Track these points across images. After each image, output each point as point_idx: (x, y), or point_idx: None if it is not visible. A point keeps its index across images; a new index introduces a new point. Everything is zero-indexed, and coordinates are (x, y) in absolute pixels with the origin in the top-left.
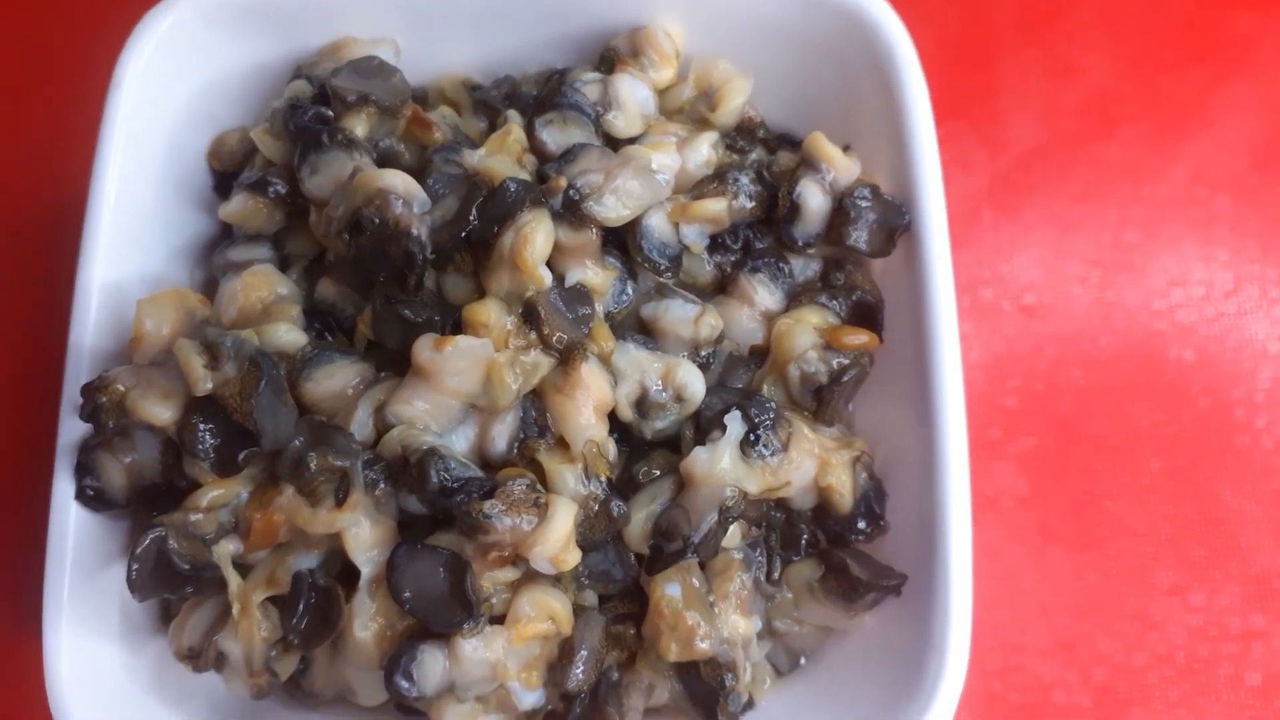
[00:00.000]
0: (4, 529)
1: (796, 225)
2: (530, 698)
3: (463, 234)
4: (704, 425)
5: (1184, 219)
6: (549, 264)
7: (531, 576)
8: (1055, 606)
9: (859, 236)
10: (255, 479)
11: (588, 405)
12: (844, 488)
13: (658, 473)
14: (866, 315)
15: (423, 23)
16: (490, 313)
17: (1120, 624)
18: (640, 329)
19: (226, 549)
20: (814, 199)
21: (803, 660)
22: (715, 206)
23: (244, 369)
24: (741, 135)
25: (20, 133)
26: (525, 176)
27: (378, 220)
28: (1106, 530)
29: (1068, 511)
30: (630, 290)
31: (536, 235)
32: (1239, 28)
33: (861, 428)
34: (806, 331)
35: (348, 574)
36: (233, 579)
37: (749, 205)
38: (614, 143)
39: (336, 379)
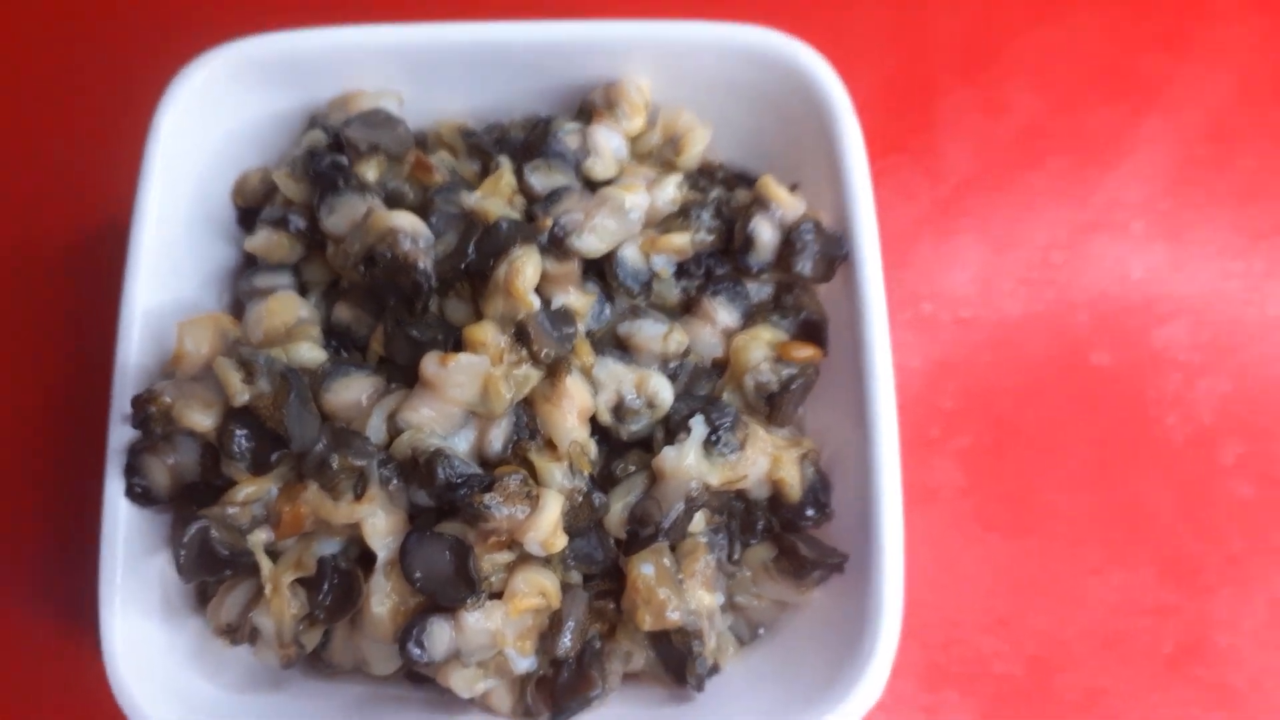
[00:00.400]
0: (58, 521)
1: (751, 255)
2: (524, 663)
3: (462, 265)
4: (672, 428)
5: (1103, 240)
6: (537, 290)
7: (525, 558)
8: (992, 587)
9: (804, 265)
10: (284, 477)
11: (572, 412)
12: (794, 480)
13: (633, 469)
14: (812, 332)
15: (423, 77)
16: (487, 333)
17: (1049, 601)
18: (617, 345)
19: (260, 537)
20: (765, 232)
21: (761, 631)
22: (680, 239)
23: (276, 383)
24: (703, 176)
25: (73, 172)
26: (516, 215)
27: (389, 255)
28: (1037, 518)
29: (1002, 502)
30: (608, 312)
31: (526, 266)
32: (1152, 71)
33: (809, 429)
34: (760, 346)
35: (365, 558)
36: (265, 563)
37: (709, 238)
38: (592, 184)
39: (353, 390)
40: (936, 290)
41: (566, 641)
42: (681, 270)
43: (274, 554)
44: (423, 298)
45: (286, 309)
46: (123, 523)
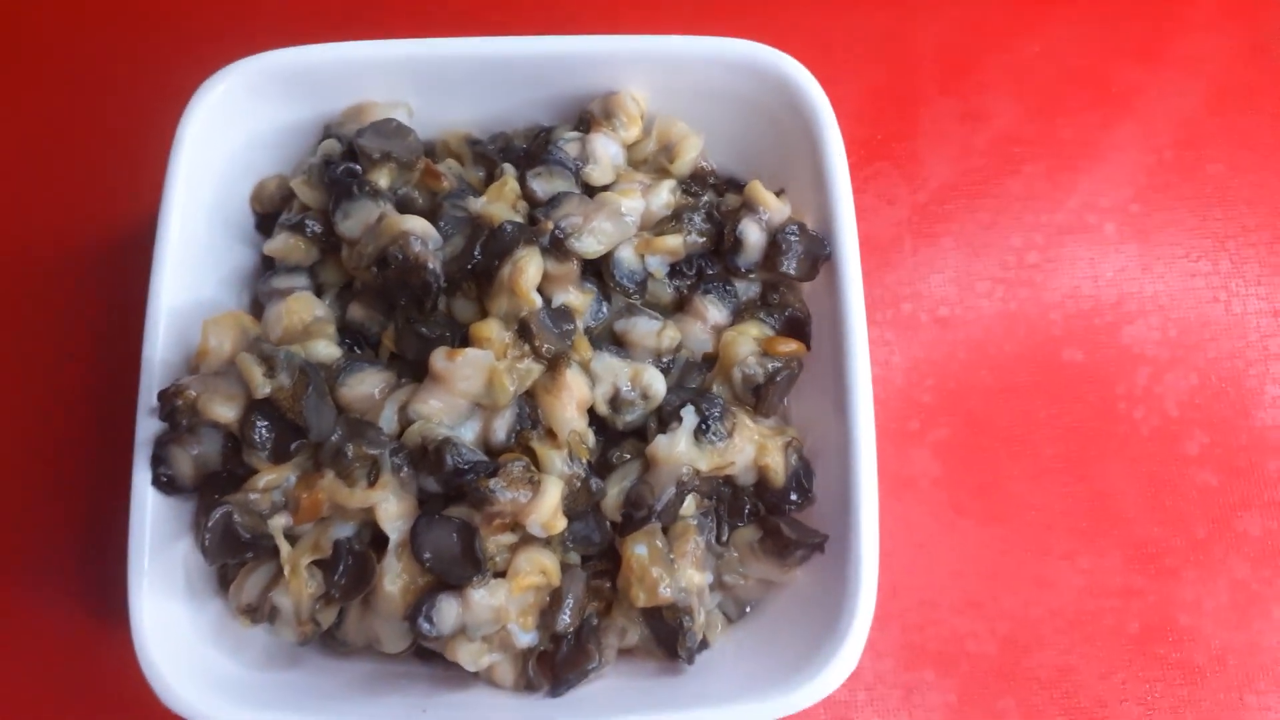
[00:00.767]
0: (88, 510)
1: (739, 256)
2: (526, 638)
3: (469, 266)
4: (665, 418)
5: (1076, 243)
6: (539, 290)
7: (527, 540)
8: (966, 570)
9: (790, 265)
10: (302, 466)
11: (571, 403)
12: (778, 467)
13: (628, 456)
14: (796, 328)
15: (431, 89)
16: (492, 329)
17: (1020, 584)
18: (613, 341)
19: (279, 522)
20: (753, 235)
21: (747, 608)
22: (673, 241)
23: (295, 376)
24: (695, 182)
25: (101, 177)
26: (519, 219)
27: (401, 256)
28: (1009, 506)
29: (976, 491)
30: (605, 309)
31: (529, 267)
32: (1124, 81)
33: (793, 419)
34: (748, 341)
35: (377, 541)
36: (284, 546)
37: (701, 240)
38: (591, 190)
39: (366, 384)
40: (916, 290)
41: (566, 618)
42: (674, 270)
43: (292, 538)
44: (432, 297)
45: (304, 308)
46: (150, 510)
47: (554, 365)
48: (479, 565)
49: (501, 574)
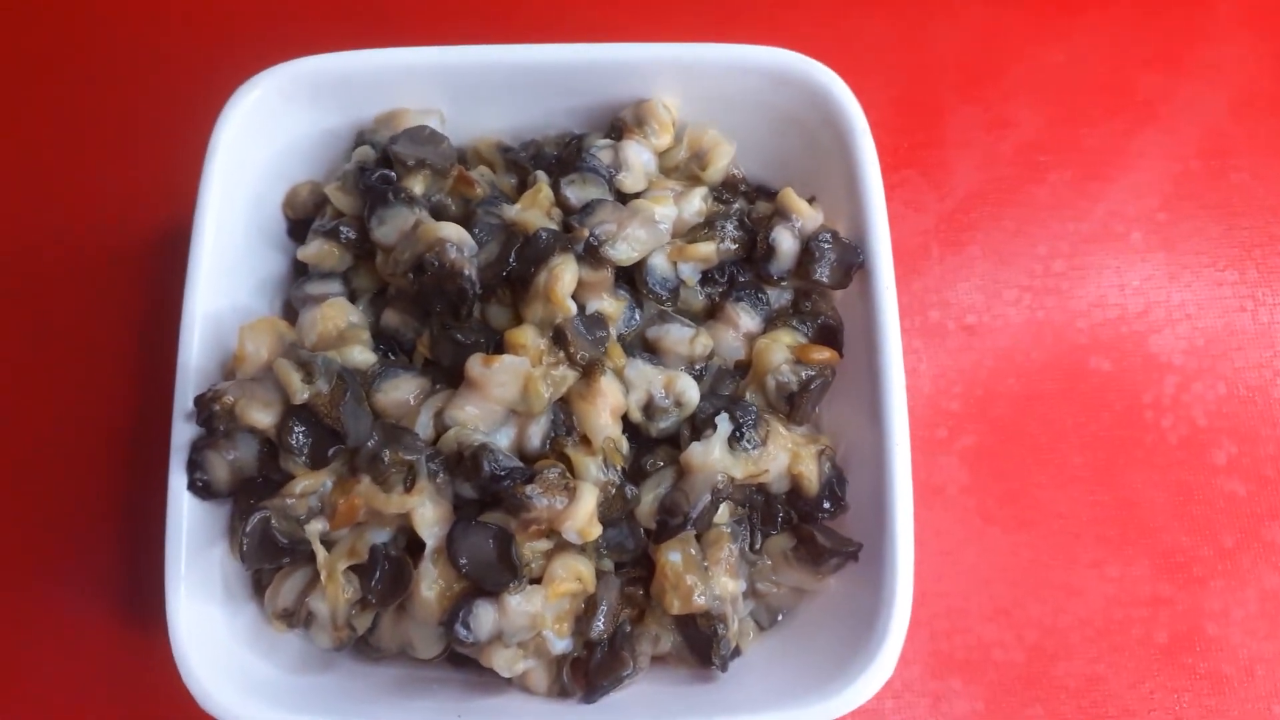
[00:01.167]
0: (124, 515)
1: (772, 263)
2: (561, 644)
3: (504, 273)
4: (699, 425)
5: (1103, 251)
6: (573, 296)
7: (562, 546)
8: (993, 578)
9: (822, 272)
10: (338, 471)
11: (605, 410)
12: (812, 475)
13: (662, 463)
14: (829, 336)
15: (462, 96)
16: (527, 336)
17: (1048, 592)
18: (646, 348)
19: (316, 527)
20: (786, 242)
21: (780, 617)
22: (706, 248)
23: (333, 382)
24: (727, 189)
25: (135, 183)
26: (554, 226)
27: (437, 263)
28: (1036, 514)
29: (1003, 498)
30: (638, 316)
31: (565, 273)
32: (1149, 89)
33: (826, 427)
34: (780, 349)
35: (413, 546)
36: (320, 551)
37: (733, 247)
38: (623, 197)
39: (401, 390)
40: (944, 298)
41: (600, 624)
42: (706, 278)
43: (328, 543)
44: (468, 303)
45: (338, 314)
46: (186, 515)
47: (589, 372)
48: (515, 571)
49: (537, 580)
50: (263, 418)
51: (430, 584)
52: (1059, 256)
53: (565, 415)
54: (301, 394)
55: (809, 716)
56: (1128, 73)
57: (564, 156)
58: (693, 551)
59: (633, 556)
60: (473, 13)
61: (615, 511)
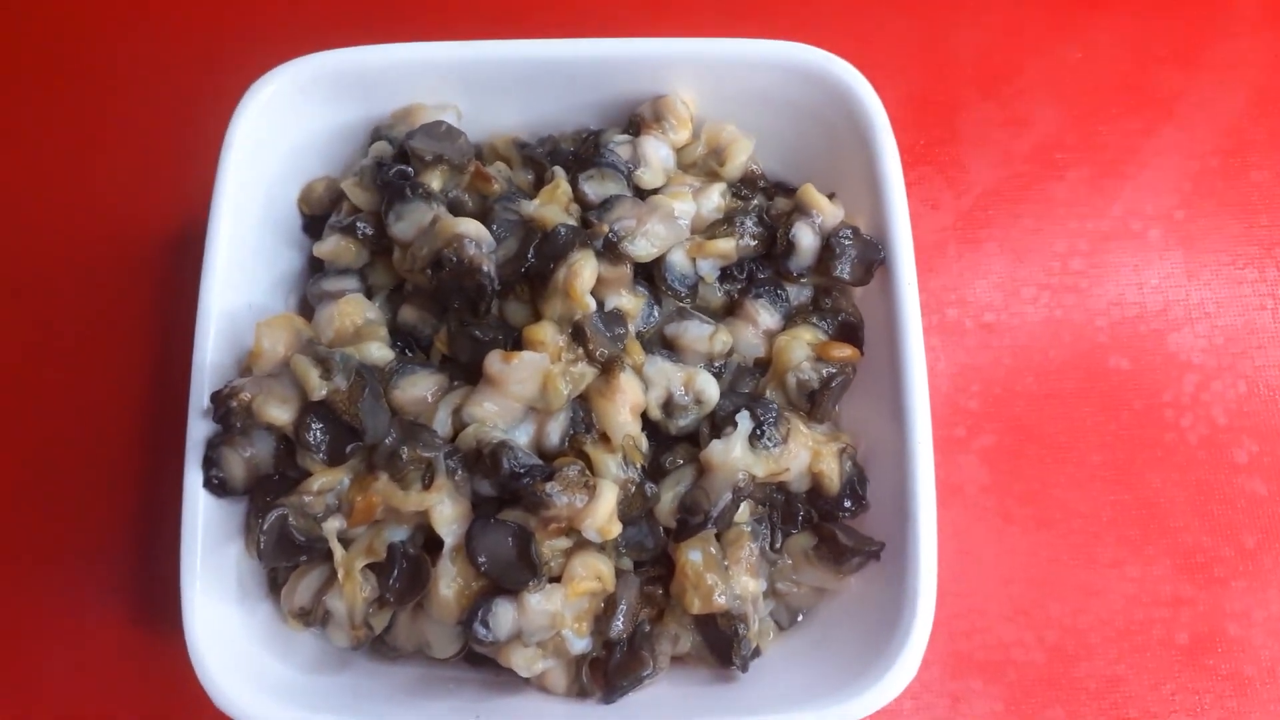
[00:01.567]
0: (139, 512)
1: (792, 259)
2: (580, 644)
3: (522, 269)
4: (719, 423)
5: (1121, 249)
6: (592, 293)
7: (582, 544)
8: (1013, 578)
9: (843, 269)
10: (355, 468)
11: (625, 407)
12: (832, 473)
13: (681, 461)
14: (850, 333)
15: (478, 91)
16: (546, 332)
17: (1068, 593)
18: (665, 345)
19: (333, 525)
20: (806, 238)
21: (800, 617)
22: (725, 245)
23: (351, 378)
24: (745, 185)
25: (150, 179)
26: (572, 222)
27: (455, 259)
28: (1056, 514)
29: (1023, 498)
30: (656, 313)
31: (584, 270)
32: (1166, 86)
33: (846, 425)
34: (801, 346)
35: (430, 544)
36: (338, 549)
37: (752, 243)
38: (642, 193)
39: (419, 387)
40: (961, 296)
41: (619, 624)
42: (725, 274)
43: (346, 541)
44: (487, 300)
45: (355, 310)
46: (201, 513)
47: (608, 369)
48: (535, 570)
49: (556, 579)
50: (280, 414)
51: (448, 582)
52: (1077, 254)
53: (584, 412)
54: (320, 390)
55: (831, 718)
56: (1146, 70)
57: (581, 152)
58: (713, 550)
59: (652, 555)
60: (489, 7)
61: (635, 510)
